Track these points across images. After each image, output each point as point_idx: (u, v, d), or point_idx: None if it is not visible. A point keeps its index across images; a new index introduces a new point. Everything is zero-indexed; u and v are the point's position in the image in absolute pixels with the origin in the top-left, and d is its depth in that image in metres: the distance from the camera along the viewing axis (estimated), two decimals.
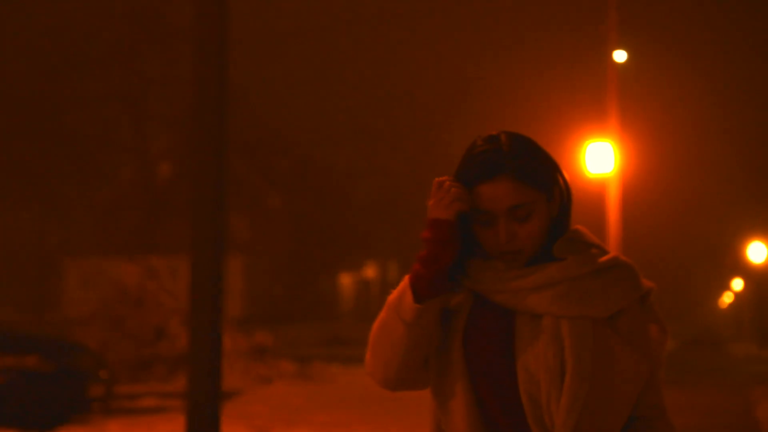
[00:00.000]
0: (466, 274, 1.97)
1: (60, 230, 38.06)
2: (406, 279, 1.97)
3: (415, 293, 1.93)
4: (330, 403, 12.90)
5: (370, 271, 44.53)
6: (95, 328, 15.92)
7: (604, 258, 1.96)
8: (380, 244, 42.37)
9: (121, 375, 14.43)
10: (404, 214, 39.29)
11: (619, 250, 20.07)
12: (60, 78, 27.00)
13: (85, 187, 30.99)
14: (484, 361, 1.95)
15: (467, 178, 1.94)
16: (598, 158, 20.98)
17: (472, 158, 1.94)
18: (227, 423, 8.97)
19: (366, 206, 41.60)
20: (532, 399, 1.90)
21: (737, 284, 66.80)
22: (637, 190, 29.16)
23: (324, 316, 39.65)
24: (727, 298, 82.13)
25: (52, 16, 27.82)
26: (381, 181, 41.92)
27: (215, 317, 6.34)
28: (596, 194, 21.04)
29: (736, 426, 12.36)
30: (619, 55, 21.66)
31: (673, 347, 38.60)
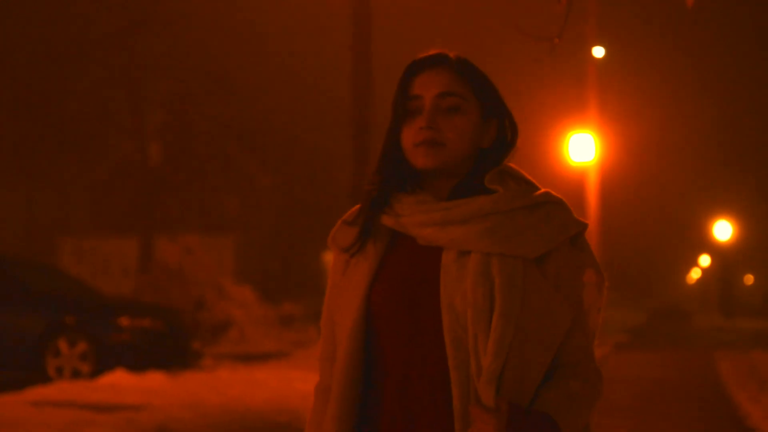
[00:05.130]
0: (392, 210, 1.89)
1: (54, 209, 38.20)
2: None
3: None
4: None
5: None
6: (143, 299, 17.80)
7: (537, 193, 1.88)
8: None
9: None
10: None
11: (598, 229, 22.24)
12: (58, 61, 27.71)
13: (80, 167, 31.87)
14: (398, 307, 1.84)
15: (410, 68, 1.91)
16: (580, 148, 22.50)
17: (419, 55, 1.93)
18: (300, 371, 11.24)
19: (351, 185, 42.97)
20: (456, 341, 1.78)
21: (704, 260, 69.73)
22: (615, 176, 31.16)
23: (313, 292, 41.35)
24: (695, 274, 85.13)
25: (53, 2, 27.12)
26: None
27: None
28: (578, 181, 22.83)
29: (700, 377, 14.31)
30: (598, 51, 22.86)
31: (644, 319, 41.04)
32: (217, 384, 9.76)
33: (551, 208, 1.86)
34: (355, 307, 1.87)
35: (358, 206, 1.95)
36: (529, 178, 1.92)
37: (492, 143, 1.91)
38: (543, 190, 1.89)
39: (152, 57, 28.58)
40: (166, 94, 30.50)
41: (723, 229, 46.41)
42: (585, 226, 1.89)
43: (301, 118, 39.25)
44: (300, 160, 41.72)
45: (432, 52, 1.93)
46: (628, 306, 54.88)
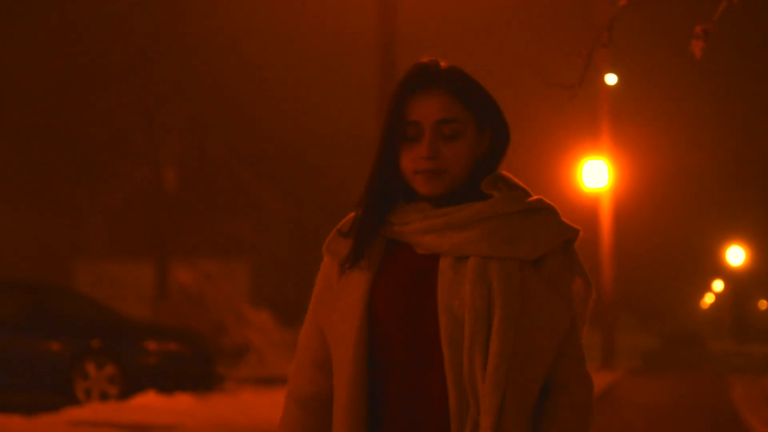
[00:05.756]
0: (390, 219, 1.91)
1: (71, 233, 38.46)
2: None
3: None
4: None
5: None
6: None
7: (530, 199, 1.91)
8: None
9: None
10: None
11: (611, 255, 22.49)
12: (74, 88, 28.08)
13: (96, 192, 32.17)
14: (398, 311, 1.86)
15: (403, 89, 1.90)
16: (594, 174, 22.67)
17: (410, 70, 1.92)
18: None
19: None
20: (453, 343, 1.81)
21: (718, 286, 69.76)
22: (628, 202, 31.37)
23: None
24: (708, 299, 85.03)
25: (69, 30, 27.41)
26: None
27: None
28: (591, 207, 23.06)
29: (713, 402, 14.41)
30: (611, 78, 23.06)
31: (657, 344, 41.17)
32: (244, 406, 10.11)
33: (545, 213, 1.90)
34: (357, 314, 1.87)
35: (352, 214, 1.96)
36: (522, 184, 1.95)
37: (487, 151, 1.94)
38: (536, 196, 1.93)
39: (168, 84, 28.87)
40: (181, 120, 30.85)
41: (736, 255, 46.63)
42: (577, 232, 1.92)
43: (314, 144, 39.50)
44: (313, 185, 41.91)
45: (424, 61, 1.93)
46: (641, 331, 54.98)
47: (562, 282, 1.88)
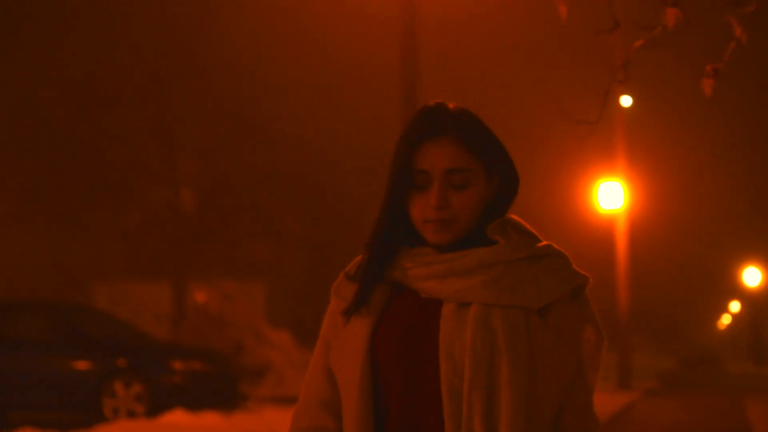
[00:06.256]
0: (396, 263, 1.90)
1: (90, 254, 38.74)
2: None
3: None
4: None
5: None
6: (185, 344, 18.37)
7: (538, 245, 1.89)
8: None
9: None
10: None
11: (627, 276, 22.71)
12: (94, 110, 28.51)
13: (114, 213, 32.44)
14: (399, 357, 1.85)
15: (411, 137, 1.88)
16: (609, 196, 22.91)
17: (418, 116, 1.91)
18: None
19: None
20: (452, 390, 1.79)
21: (734, 306, 69.70)
22: (644, 223, 31.52)
23: None
24: (725, 320, 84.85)
25: (88, 54, 27.86)
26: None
27: None
28: (607, 228, 23.27)
29: (730, 424, 14.59)
30: (625, 100, 23.34)
31: (674, 365, 41.21)
32: (268, 424, 10.40)
33: (553, 260, 1.87)
34: (359, 361, 1.87)
35: (359, 257, 1.95)
36: (531, 230, 1.93)
37: (495, 196, 1.92)
38: (545, 242, 1.90)
39: (186, 106, 29.25)
40: (198, 142, 31.04)
41: (752, 276, 46.71)
42: (587, 279, 1.90)
43: (331, 166, 39.73)
44: (330, 207, 42.05)
45: (431, 105, 1.92)
46: (658, 352, 54.95)
47: (569, 330, 1.85)
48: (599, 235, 23.88)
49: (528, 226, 1.93)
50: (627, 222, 22.88)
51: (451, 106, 1.92)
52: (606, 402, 14.41)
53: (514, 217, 1.93)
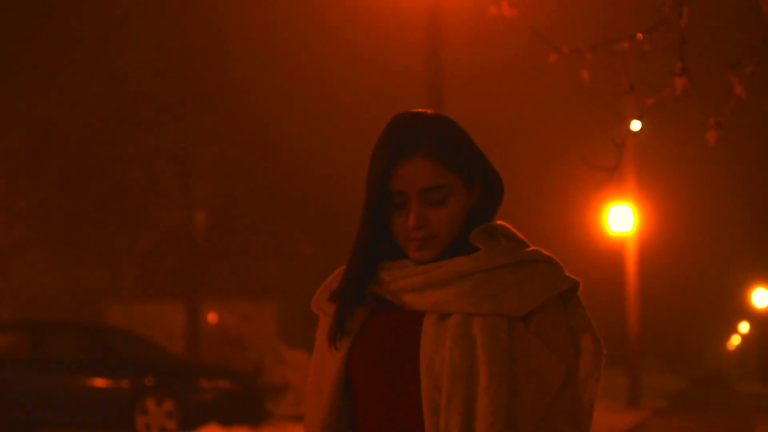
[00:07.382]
0: (378, 277, 1.84)
1: (104, 275, 39.24)
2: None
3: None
4: None
5: None
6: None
7: (526, 251, 1.82)
8: None
9: None
10: None
11: (637, 298, 23.20)
12: (108, 133, 29.08)
13: (129, 234, 32.82)
14: (377, 372, 1.81)
15: (384, 157, 1.81)
16: (619, 219, 23.40)
17: (389, 133, 1.83)
18: None
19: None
20: (433, 407, 1.74)
21: (744, 327, 70.03)
22: (654, 246, 31.98)
23: None
24: (734, 341, 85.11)
25: (103, 78, 28.40)
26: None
27: None
28: (617, 251, 23.73)
29: None
30: (635, 125, 23.86)
31: (683, 385, 41.51)
32: None
33: (540, 265, 1.81)
34: (334, 371, 1.84)
35: (341, 268, 1.91)
36: (521, 236, 1.87)
37: (478, 203, 1.87)
38: (533, 247, 1.84)
39: (200, 129, 29.63)
40: (212, 164, 31.35)
41: (761, 297, 47.14)
42: (575, 283, 1.83)
43: (341, 187, 40.22)
44: (341, 228, 42.45)
45: (400, 119, 1.84)
46: (667, 372, 55.24)
47: (554, 336, 1.79)
48: (610, 258, 24.34)
49: (518, 233, 1.88)
50: (637, 244, 23.30)
51: (422, 116, 1.85)
52: (615, 421, 14.74)
53: (502, 223, 1.88)
